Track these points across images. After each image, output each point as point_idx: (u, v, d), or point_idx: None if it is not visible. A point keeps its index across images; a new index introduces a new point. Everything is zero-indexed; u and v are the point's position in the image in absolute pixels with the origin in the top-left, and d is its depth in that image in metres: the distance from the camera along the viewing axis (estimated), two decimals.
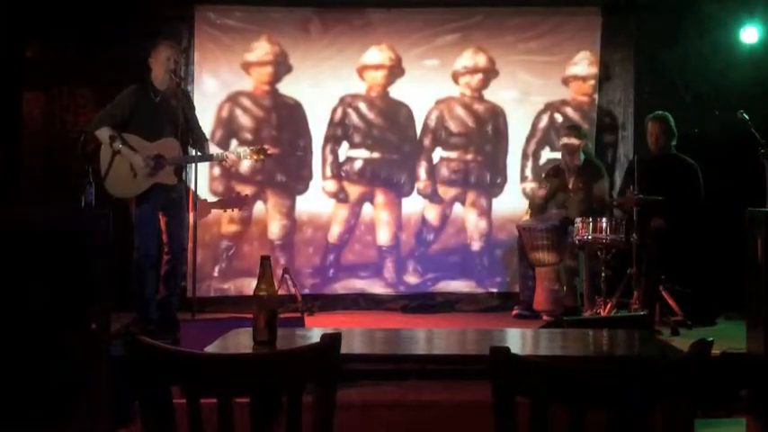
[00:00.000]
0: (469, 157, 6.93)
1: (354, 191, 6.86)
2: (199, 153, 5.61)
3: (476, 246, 6.92)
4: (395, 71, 6.85)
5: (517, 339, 3.03)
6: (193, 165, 5.64)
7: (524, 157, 6.96)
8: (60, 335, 4.10)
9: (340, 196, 6.85)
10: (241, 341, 2.61)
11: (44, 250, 4.17)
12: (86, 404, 4.07)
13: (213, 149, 5.89)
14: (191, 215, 5.58)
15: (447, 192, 6.93)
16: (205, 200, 6.47)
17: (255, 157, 5.67)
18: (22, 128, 6.41)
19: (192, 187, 5.59)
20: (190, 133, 5.46)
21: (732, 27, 6.41)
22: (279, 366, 1.82)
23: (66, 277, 4.18)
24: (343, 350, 1.87)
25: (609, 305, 5.55)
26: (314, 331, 3.05)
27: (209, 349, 2.45)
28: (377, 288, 6.83)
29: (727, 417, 4.25)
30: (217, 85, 6.72)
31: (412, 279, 6.89)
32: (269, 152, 5.78)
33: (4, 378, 3.97)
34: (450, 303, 6.73)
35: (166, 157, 5.33)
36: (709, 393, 4.10)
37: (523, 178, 6.96)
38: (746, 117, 5.30)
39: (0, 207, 5.55)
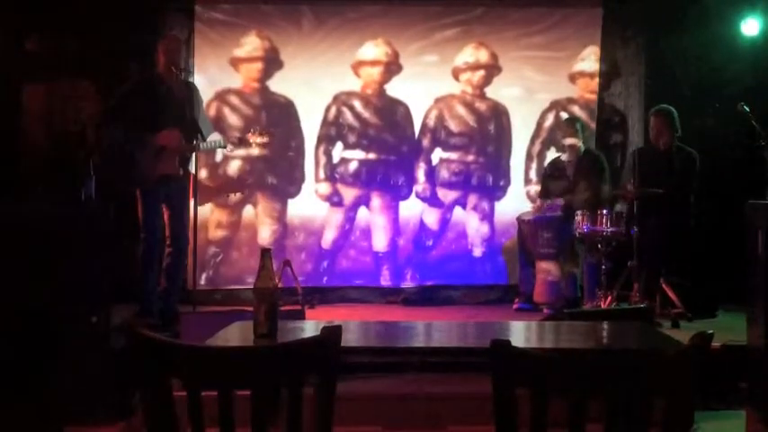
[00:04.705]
0: (470, 158, 6.72)
1: (349, 194, 6.63)
2: (202, 144, 5.60)
3: (477, 251, 6.71)
4: (392, 67, 6.65)
5: (518, 332, 3.03)
6: (194, 156, 5.63)
7: (528, 157, 6.75)
8: (60, 328, 4.11)
9: (334, 199, 6.64)
10: (241, 334, 2.61)
11: (44, 243, 4.18)
12: (86, 397, 4.08)
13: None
14: (191, 204, 5.58)
15: (447, 195, 6.71)
16: (207, 186, 6.35)
17: (258, 139, 5.66)
18: (22, 120, 6.39)
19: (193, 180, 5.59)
20: (197, 125, 5.43)
21: (733, 19, 6.39)
22: (279, 359, 1.82)
23: (66, 270, 4.18)
24: (344, 343, 1.87)
25: (609, 298, 5.55)
26: (314, 324, 3.05)
27: (210, 342, 2.46)
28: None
29: (727, 409, 4.26)
30: (204, 82, 6.38)
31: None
32: (265, 139, 5.76)
33: (3, 371, 3.98)
34: (450, 296, 6.60)
35: (170, 148, 5.33)
36: (710, 385, 4.11)
37: (527, 180, 6.75)
38: (747, 109, 5.28)
39: (0, 200, 5.55)
